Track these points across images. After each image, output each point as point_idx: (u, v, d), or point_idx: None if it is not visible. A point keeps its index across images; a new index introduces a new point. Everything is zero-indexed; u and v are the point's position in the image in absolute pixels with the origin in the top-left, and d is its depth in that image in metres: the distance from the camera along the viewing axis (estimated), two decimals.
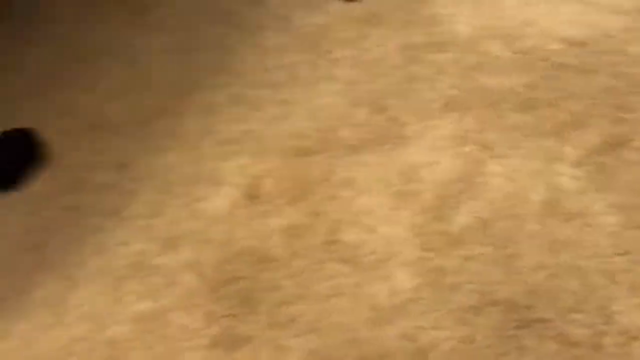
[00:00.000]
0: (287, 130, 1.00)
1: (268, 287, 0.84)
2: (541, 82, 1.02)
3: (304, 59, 1.10)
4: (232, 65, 1.10)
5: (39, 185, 0.95)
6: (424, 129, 0.99)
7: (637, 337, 0.77)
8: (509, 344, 0.77)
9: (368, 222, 0.90)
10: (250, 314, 0.82)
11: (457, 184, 0.93)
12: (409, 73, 1.06)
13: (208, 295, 0.83)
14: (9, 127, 0.99)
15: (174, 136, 1.01)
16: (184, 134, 1.01)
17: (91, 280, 0.85)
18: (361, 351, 0.78)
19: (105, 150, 0.98)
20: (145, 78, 1.09)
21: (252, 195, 0.94)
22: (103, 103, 1.04)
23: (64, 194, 0.94)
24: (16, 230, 0.91)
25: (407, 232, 0.88)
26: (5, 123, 1.01)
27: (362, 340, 0.79)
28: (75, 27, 1.17)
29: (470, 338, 0.78)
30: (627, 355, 0.76)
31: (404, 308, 0.81)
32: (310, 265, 0.85)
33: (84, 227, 0.91)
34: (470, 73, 1.05)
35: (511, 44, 1.07)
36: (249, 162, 0.97)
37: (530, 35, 1.08)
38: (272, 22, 1.17)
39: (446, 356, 0.78)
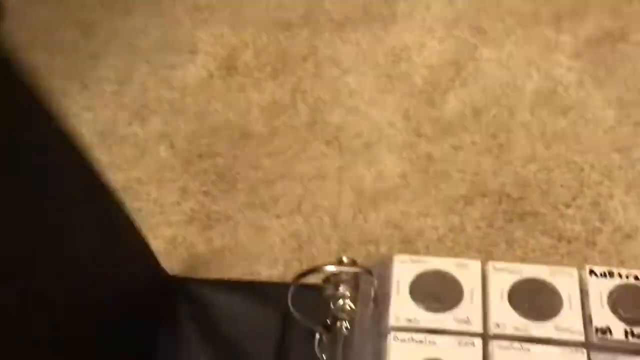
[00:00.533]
0: (268, 0, 0.94)
1: (247, 165, 0.79)
2: None
3: None
4: None
5: None
6: (414, 7, 0.93)
7: (631, 235, 0.76)
8: (499, 235, 0.74)
9: (354, 103, 0.85)
10: (227, 191, 0.77)
11: (449, 68, 0.88)
12: None
13: (182, 169, 0.78)
14: None
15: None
16: None
17: None
18: (345, 235, 0.74)
19: (66, 9, 0.90)
20: None
21: (230, 67, 0.87)
22: None
23: (21, 54, 0.87)
24: None
25: (395, 116, 0.84)
26: None
27: (346, 225, 0.75)
28: None
29: (459, 227, 0.75)
30: (620, 253, 0.74)
31: (390, 193, 0.77)
32: (292, 145, 0.80)
33: (44, 90, 0.84)
34: None
35: None
36: (226, 31, 0.90)
37: None
38: None
39: (434, 244, 0.75)
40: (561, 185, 0.77)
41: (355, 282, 0.55)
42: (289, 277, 0.58)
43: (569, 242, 0.74)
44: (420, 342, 0.50)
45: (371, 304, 0.53)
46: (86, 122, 0.81)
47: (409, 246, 0.74)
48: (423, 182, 0.78)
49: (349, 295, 0.55)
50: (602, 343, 0.50)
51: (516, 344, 0.50)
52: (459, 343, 0.50)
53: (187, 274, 0.71)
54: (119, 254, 0.58)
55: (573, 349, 0.49)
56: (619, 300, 0.51)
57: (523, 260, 0.73)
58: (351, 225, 0.74)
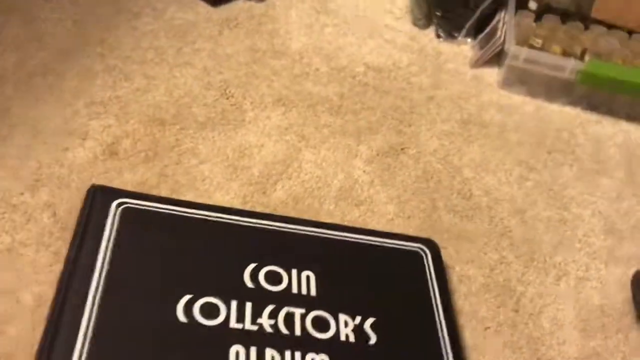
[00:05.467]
0: (149, 101, 0.78)
1: None
2: (348, 95, 0.86)
3: (171, 44, 0.88)
4: (110, 40, 0.85)
5: None
6: (258, 117, 0.80)
7: None
8: None
9: (205, 187, 0.70)
10: None
11: (279, 165, 0.75)
12: (252, 70, 0.87)
13: (59, 235, 0.62)
14: None
15: (52, 92, 0.76)
16: (61, 92, 0.76)
17: None
18: None
19: None
20: (37, 40, 0.83)
21: (112, 152, 0.71)
22: None
23: None
24: None
25: (236, 200, 0.70)
26: None
27: None
28: None
29: None
30: None
31: None
32: None
33: None
34: (298, 79, 0.87)
35: (329, 62, 0.90)
36: (113, 123, 0.74)
37: (343, 57, 0.92)
38: (150, 12, 0.93)
39: None
40: None
41: None
42: None
43: None
44: None
45: None
46: None
47: None
48: None
49: None
50: None
51: None
52: None
53: None
54: None
55: None
56: None
57: None
58: None
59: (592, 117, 0.89)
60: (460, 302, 0.65)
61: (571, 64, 0.85)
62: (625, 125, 0.88)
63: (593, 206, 0.77)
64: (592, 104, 0.89)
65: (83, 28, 0.90)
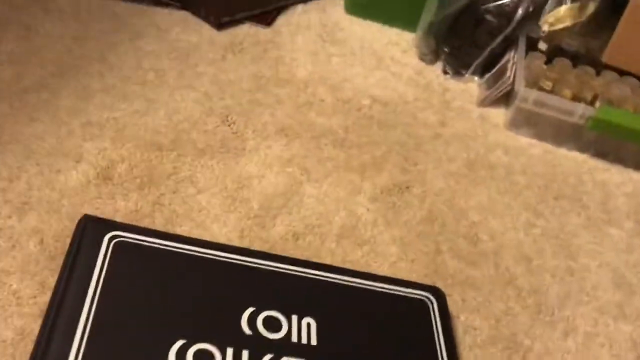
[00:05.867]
0: (147, 124, 0.75)
1: None
2: (353, 127, 0.84)
3: (173, 67, 0.85)
4: (111, 59, 0.83)
5: None
6: (260, 146, 0.77)
7: None
8: None
9: (202, 219, 0.67)
10: None
11: (279, 198, 0.72)
12: (255, 98, 0.84)
13: (45, 264, 0.59)
14: None
15: (47, 111, 0.73)
16: (56, 111, 0.73)
17: None
18: None
19: None
20: (34, 55, 0.80)
21: (106, 177, 0.68)
22: None
23: None
24: None
25: (233, 233, 0.67)
26: None
27: None
28: None
29: None
30: None
31: None
32: None
33: None
34: (302, 109, 0.84)
35: (334, 93, 0.88)
36: (108, 146, 0.71)
37: (348, 89, 0.89)
38: (152, 31, 0.91)
39: None
40: None
41: None
42: None
43: None
44: None
45: None
46: None
47: None
48: None
49: None
50: None
51: None
52: None
53: None
54: None
55: None
56: None
57: None
58: None
59: (600, 164, 0.87)
60: (466, 353, 0.62)
61: (581, 108, 0.83)
62: (634, 175, 0.86)
63: (601, 257, 0.75)
64: (601, 151, 0.87)
65: (83, 45, 0.87)
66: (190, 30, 0.95)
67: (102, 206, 0.65)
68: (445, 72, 0.99)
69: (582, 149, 0.88)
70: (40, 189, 0.65)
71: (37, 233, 0.61)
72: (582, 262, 0.74)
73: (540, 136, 0.89)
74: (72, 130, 0.73)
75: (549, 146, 0.89)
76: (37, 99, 0.75)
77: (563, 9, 0.89)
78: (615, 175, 0.87)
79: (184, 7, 1.00)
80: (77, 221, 0.58)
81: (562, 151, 0.89)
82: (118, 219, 0.64)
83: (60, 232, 0.61)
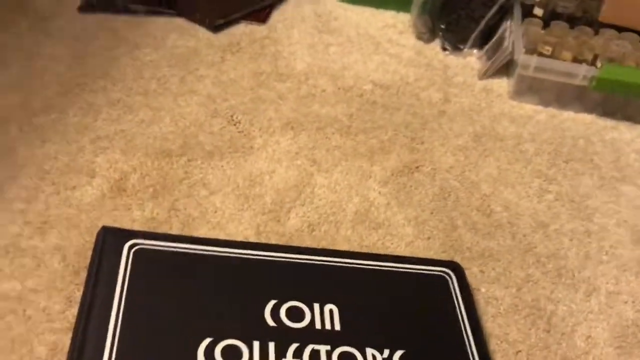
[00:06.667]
0: (155, 133, 0.76)
1: None
2: (357, 114, 0.84)
3: (174, 73, 0.86)
4: (113, 73, 0.84)
5: None
6: (267, 142, 0.78)
7: None
8: None
9: (217, 219, 0.68)
10: None
11: (291, 191, 0.73)
12: (258, 95, 0.85)
13: (70, 279, 0.60)
14: None
15: (56, 130, 0.74)
16: (65, 129, 0.74)
17: None
18: None
19: None
20: (39, 77, 0.81)
21: (120, 188, 0.69)
22: None
23: None
24: None
25: (249, 231, 0.68)
26: None
27: None
28: None
29: None
30: None
31: None
32: None
33: None
34: (305, 101, 0.85)
35: (335, 82, 0.88)
36: (119, 158, 0.72)
37: (349, 76, 0.90)
38: (150, 41, 0.92)
39: None
40: None
41: None
42: None
43: None
44: None
45: None
46: None
47: None
48: None
49: None
50: None
51: None
52: None
53: None
54: None
55: None
56: None
57: None
58: None
59: (609, 123, 0.87)
60: (489, 324, 0.62)
61: (584, 70, 0.83)
62: None
63: (618, 215, 0.74)
64: (608, 110, 0.87)
65: (84, 62, 0.88)
66: (187, 36, 0.96)
67: (119, 218, 0.67)
68: (444, 49, 0.98)
69: (589, 109, 0.88)
70: (58, 207, 0.66)
71: (59, 250, 0.62)
72: (598, 222, 0.74)
73: (545, 102, 0.89)
74: (82, 147, 0.74)
75: (554, 111, 0.89)
76: (46, 120, 0.77)
77: None
78: (624, 132, 0.86)
79: (178, 14, 1.01)
80: (96, 234, 0.60)
81: (569, 114, 0.89)
82: (136, 228, 0.65)
83: (81, 247, 0.62)
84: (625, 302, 0.65)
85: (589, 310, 0.64)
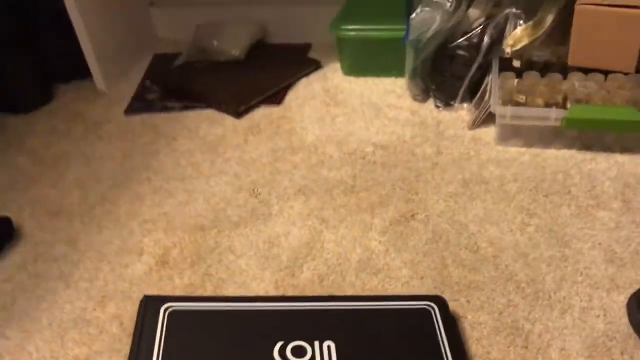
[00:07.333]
0: (190, 211, 0.92)
1: None
2: (360, 174, 0.97)
3: (206, 158, 1.02)
4: (154, 165, 1.01)
5: (12, 258, 0.84)
6: (283, 208, 0.92)
7: None
8: None
9: (243, 279, 0.82)
10: None
11: (303, 248, 0.86)
12: (275, 168, 0.99)
13: (127, 341, 0.74)
14: None
15: (110, 219, 0.91)
16: (118, 217, 0.91)
17: (42, 332, 0.75)
18: None
19: (60, 231, 0.88)
20: (95, 176, 0.99)
21: (164, 262, 0.85)
22: (63, 195, 0.94)
23: (30, 264, 0.84)
24: None
25: (269, 286, 0.81)
26: None
27: None
28: (45, 140, 1.06)
29: None
30: None
31: None
32: None
33: (43, 289, 0.81)
34: (315, 168, 0.99)
35: (341, 148, 1.02)
36: (162, 236, 0.88)
37: (353, 141, 1.03)
38: (185, 133, 1.09)
39: None
40: None
41: None
42: None
43: None
44: None
45: None
46: (66, 312, 0.77)
47: None
48: None
49: None
50: None
51: None
52: None
53: None
54: None
55: None
56: None
57: None
58: None
59: (587, 155, 0.95)
60: (474, 347, 0.71)
61: (554, 112, 0.92)
62: (619, 158, 0.94)
63: (593, 239, 0.82)
64: (585, 144, 0.95)
65: (131, 158, 1.05)
66: (215, 124, 1.12)
67: (163, 287, 0.81)
68: (437, 106, 1.10)
69: (568, 145, 0.97)
70: (115, 283, 0.82)
71: (117, 318, 0.77)
72: (575, 247, 0.82)
73: (529, 143, 0.99)
74: (132, 230, 0.90)
75: (538, 150, 0.99)
76: (101, 211, 0.94)
77: (519, 30, 0.99)
78: (601, 163, 0.94)
79: (208, 106, 1.17)
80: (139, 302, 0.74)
81: (551, 152, 0.98)
82: (177, 294, 0.79)
83: (134, 314, 0.77)
84: (597, 316, 0.73)
85: (564, 326, 0.72)
